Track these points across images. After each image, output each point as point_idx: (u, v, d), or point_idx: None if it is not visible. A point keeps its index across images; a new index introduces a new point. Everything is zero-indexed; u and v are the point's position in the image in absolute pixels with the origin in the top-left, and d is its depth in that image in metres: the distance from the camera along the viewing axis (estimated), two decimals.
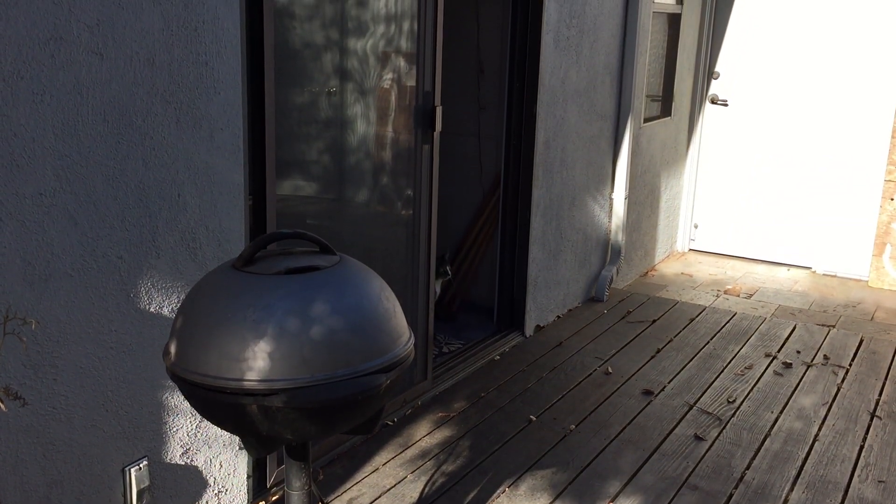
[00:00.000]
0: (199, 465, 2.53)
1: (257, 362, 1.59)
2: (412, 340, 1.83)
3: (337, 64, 3.06)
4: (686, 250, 6.51)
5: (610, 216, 5.18)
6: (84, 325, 2.11)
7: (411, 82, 3.35)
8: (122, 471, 2.29)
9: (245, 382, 1.59)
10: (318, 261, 1.77)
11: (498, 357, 4.17)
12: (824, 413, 3.66)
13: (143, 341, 2.28)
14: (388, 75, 3.28)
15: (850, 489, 3.04)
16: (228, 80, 2.41)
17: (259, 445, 1.72)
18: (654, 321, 4.78)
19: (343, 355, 1.63)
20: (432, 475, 3.05)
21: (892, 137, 5.53)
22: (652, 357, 4.25)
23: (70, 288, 2.06)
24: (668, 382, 3.94)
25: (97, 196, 2.09)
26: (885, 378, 4.07)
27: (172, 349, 1.71)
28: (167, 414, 2.39)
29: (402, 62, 3.31)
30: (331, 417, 1.67)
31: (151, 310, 2.29)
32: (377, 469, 3.07)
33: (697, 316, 4.90)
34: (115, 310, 2.19)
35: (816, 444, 3.38)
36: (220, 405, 1.64)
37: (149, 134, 2.19)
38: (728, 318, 4.87)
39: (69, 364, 2.09)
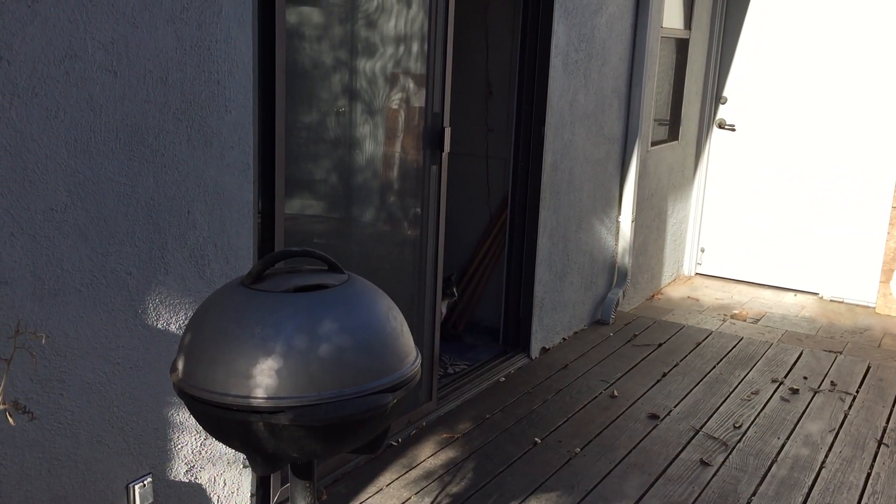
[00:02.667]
0: (203, 483, 2.52)
1: (265, 379, 1.60)
2: (419, 360, 1.83)
3: (346, 84, 3.08)
4: (692, 274, 6.50)
5: (617, 239, 5.18)
6: (92, 340, 2.12)
7: (420, 103, 3.38)
8: (127, 487, 2.28)
9: (252, 400, 1.59)
10: (327, 279, 1.78)
11: (503, 379, 4.16)
12: (831, 440, 3.64)
13: (150, 357, 2.28)
14: (398, 96, 3.31)
15: None
16: (240, 98, 2.43)
17: (265, 463, 1.71)
18: (661, 345, 4.77)
19: (350, 374, 1.64)
20: (436, 496, 3.03)
21: None
22: (658, 381, 4.23)
23: (79, 303, 2.06)
24: (674, 407, 3.92)
25: (108, 212, 2.10)
26: (893, 405, 4.04)
27: (180, 365, 1.71)
28: (172, 431, 2.39)
29: (411, 83, 3.33)
30: (337, 436, 1.67)
31: (159, 326, 2.29)
32: (381, 489, 3.06)
33: (704, 340, 4.89)
34: (122, 325, 2.19)
35: (823, 470, 3.36)
36: (227, 422, 1.64)
37: (160, 151, 2.21)
38: (734, 343, 4.86)
39: (76, 379, 2.09)
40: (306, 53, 2.88)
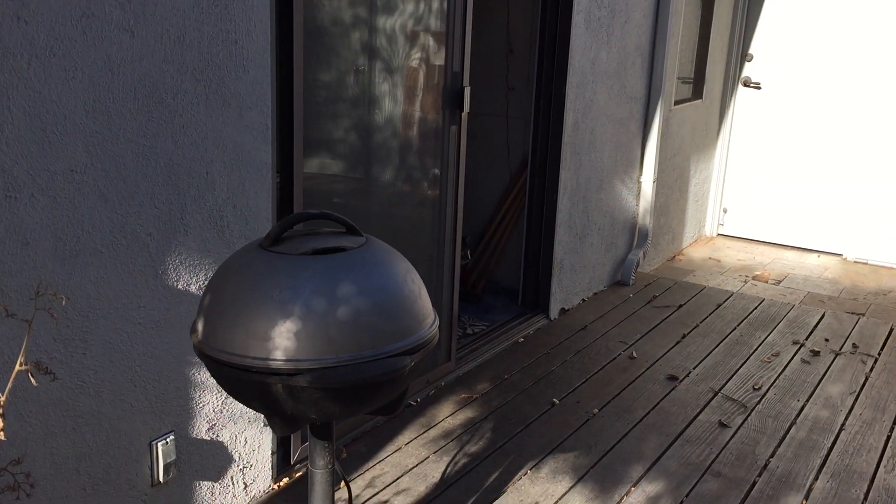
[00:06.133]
0: (225, 441, 2.56)
1: (283, 342, 1.60)
2: (437, 323, 1.83)
3: (365, 42, 3.05)
4: (714, 235, 6.44)
5: (638, 199, 5.13)
6: (113, 300, 2.13)
7: (440, 62, 3.33)
8: (149, 445, 2.32)
9: (271, 362, 1.60)
10: (345, 242, 1.78)
11: (522, 339, 4.16)
12: (851, 402, 3.62)
13: (171, 318, 2.30)
14: (417, 55, 3.27)
15: (876, 479, 3.02)
16: (258, 58, 2.40)
17: (283, 424, 1.73)
18: (681, 306, 4.75)
19: (368, 336, 1.64)
20: (454, 456, 3.06)
21: None
22: (677, 342, 4.22)
23: (100, 264, 2.08)
24: (694, 368, 3.92)
25: (127, 173, 2.10)
26: None
27: (199, 327, 1.72)
28: (194, 390, 2.42)
29: (430, 42, 3.29)
30: (355, 398, 1.68)
31: (179, 287, 2.31)
32: (400, 448, 3.09)
33: (725, 301, 4.86)
34: (143, 286, 2.21)
35: (843, 433, 3.35)
36: (246, 384, 1.65)
37: (178, 112, 2.20)
38: (756, 305, 4.83)
39: (98, 339, 2.12)
40: (325, 11, 2.85)
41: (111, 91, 2.02)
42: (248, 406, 1.75)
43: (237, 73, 2.35)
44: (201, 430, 2.47)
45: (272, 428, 1.74)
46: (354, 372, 1.62)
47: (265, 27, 2.41)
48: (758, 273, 5.55)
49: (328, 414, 1.70)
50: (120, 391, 2.21)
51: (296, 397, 1.64)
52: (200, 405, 2.45)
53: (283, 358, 1.60)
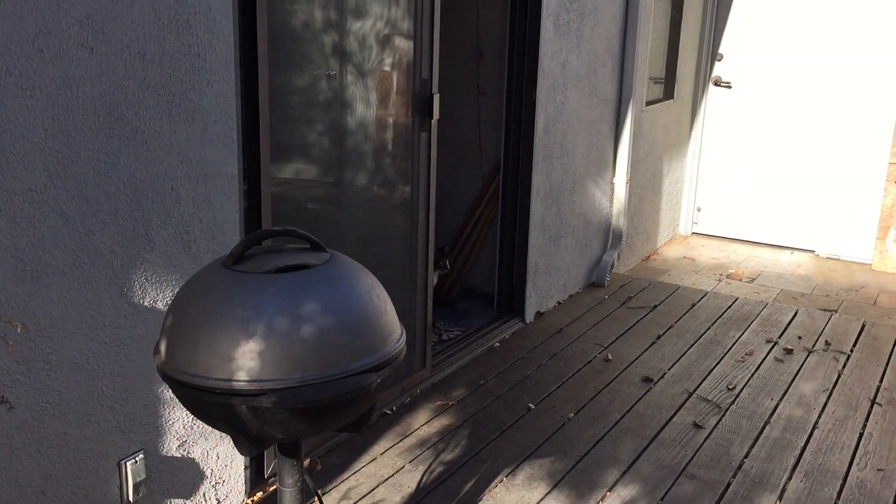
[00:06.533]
0: (196, 458, 2.54)
1: (247, 362, 1.59)
2: (403, 337, 1.82)
3: (333, 50, 3.03)
4: (689, 234, 6.48)
5: (611, 201, 5.15)
6: (77, 320, 2.11)
7: (409, 69, 3.33)
8: (118, 464, 2.29)
9: (234, 383, 1.59)
10: (309, 258, 1.76)
11: (497, 344, 4.17)
12: (824, 400, 3.66)
13: (138, 335, 2.28)
14: (386, 62, 3.26)
15: (849, 477, 3.04)
16: (221, 71, 2.39)
17: (250, 444, 1.71)
18: (656, 307, 4.77)
19: (333, 355, 1.63)
20: (430, 464, 3.06)
21: None
22: (652, 343, 4.24)
23: (62, 284, 2.05)
24: (669, 369, 3.94)
25: (89, 191, 2.08)
26: (887, 364, 4.05)
27: (162, 348, 1.70)
28: (163, 407, 2.40)
29: (399, 49, 3.28)
30: (321, 417, 1.67)
31: (146, 304, 2.28)
32: (375, 458, 3.08)
33: (699, 301, 4.89)
34: (108, 304, 2.18)
35: (816, 431, 3.38)
36: (210, 405, 1.63)
37: (140, 128, 2.18)
38: (730, 304, 4.86)
39: (63, 360, 2.09)
40: (291, 18, 2.83)
41: (70, 109, 2.00)
42: (213, 427, 1.73)
43: (201, 86, 2.33)
44: (171, 447, 2.45)
45: (238, 448, 1.73)
46: (319, 391, 1.61)
47: (228, 41, 2.39)
48: (731, 271, 5.59)
49: (294, 433, 1.69)
50: (86, 411, 2.18)
51: (261, 418, 1.62)
52: (170, 422, 2.43)
53: (247, 378, 1.59)
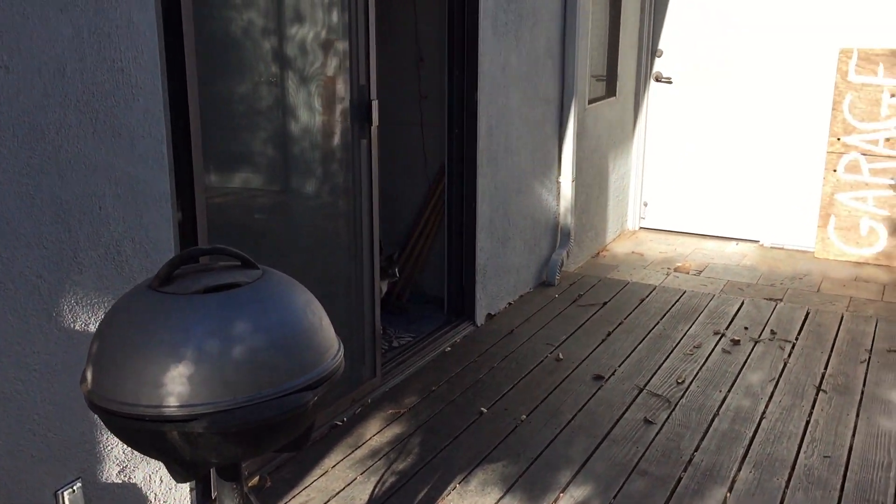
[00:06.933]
0: (138, 482, 2.47)
1: (176, 387, 1.54)
2: (341, 351, 1.78)
3: (272, 56, 2.98)
4: (637, 229, 6.54)
5: (558, 199, 5.17)
6: (4, 348, 2.03)
7: (345, 76, 3.29)
8: (55, 494, 2.22)
9: (164, 409, 1.54)
10: (240, 276, 1.72)
11: (449, 348, 4.14)
12: (771, 389, 3.70)
13: (70, 360, 2.21)
14: (322, 68, 3.21)
15: (797, 465, 3.08)
16: (148, 85, 2.32)
17: (184, 471, 1.66)
18: (605, 303, 4.79)
19: (266, 375, 1.59)
20: (382, 475, 3.02)
21: (833, 110, 5.59)
22: (603, 340, 4.26)
23: None
24: (619, 366, 3.96)
25: (10, 215, 2.00)
26: (831, 351, 4.12)
27: (89, 376, 1.64)
28: (100, 432, 2.32)
29: (334, 55, 3.24)
30: (257, 439, 1.63)
31: (77, 328, 2.21)
32: (326, 472, 3.03)
33: (648, 296, 4.93)
34: (37, 330, 2.11)
35: (763, 421, 3.42)
36: (140, 433, 1.58)
37: (63, 146, 2.11)
38: (678, 297, 4.91)
39: None
40: (220, 25, 2.77)
41: None
42: (145, 455, 1.68)
43: (126, 101, 2.27)
44: (111, 473, 2.38)
45: (172, 476, 1.68)
46: (254, 413, 1.57)
47: (153, 54, 2.33)
48: (679, 264, 5.65)
49: (230, 457, 1.65)
50: (18, 442, 2.10)
51: (193, 443, 1.58)
52: (109, 448, 2.36)
53: (177, 404, 1.54)
